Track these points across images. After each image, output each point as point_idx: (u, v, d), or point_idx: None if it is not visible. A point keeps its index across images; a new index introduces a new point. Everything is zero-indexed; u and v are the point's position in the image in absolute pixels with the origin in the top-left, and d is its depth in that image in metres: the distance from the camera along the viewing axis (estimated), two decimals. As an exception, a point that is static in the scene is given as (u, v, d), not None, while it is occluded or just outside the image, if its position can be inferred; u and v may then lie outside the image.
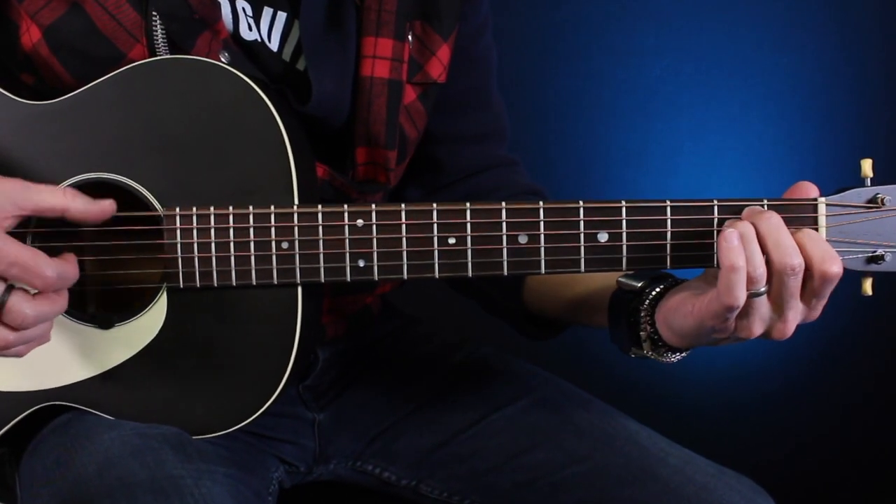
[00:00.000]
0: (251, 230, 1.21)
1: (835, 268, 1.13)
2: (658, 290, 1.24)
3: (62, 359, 1.24)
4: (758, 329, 1.16)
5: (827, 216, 1.17)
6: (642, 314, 1.24)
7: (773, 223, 1.14)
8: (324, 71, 1.33)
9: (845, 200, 1.18)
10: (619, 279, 1.28)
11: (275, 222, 1.20)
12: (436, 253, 1.20)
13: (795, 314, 1.15)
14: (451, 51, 1.43)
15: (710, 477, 1.32)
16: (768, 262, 1.13)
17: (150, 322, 1.23)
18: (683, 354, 1.25)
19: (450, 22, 1.42)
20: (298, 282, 1.22)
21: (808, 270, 1.13)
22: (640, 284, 1.25)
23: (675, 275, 1.26)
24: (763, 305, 1.14)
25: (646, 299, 1.24)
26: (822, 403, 2.56)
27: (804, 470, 2.56)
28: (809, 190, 1.19)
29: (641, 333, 1.24)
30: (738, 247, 1.12)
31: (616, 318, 1.28)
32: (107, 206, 1.19)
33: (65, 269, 1.16)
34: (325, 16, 1.34)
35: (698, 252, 1.19)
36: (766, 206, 1.17)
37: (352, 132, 1.36)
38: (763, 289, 1.13)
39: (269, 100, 1.22)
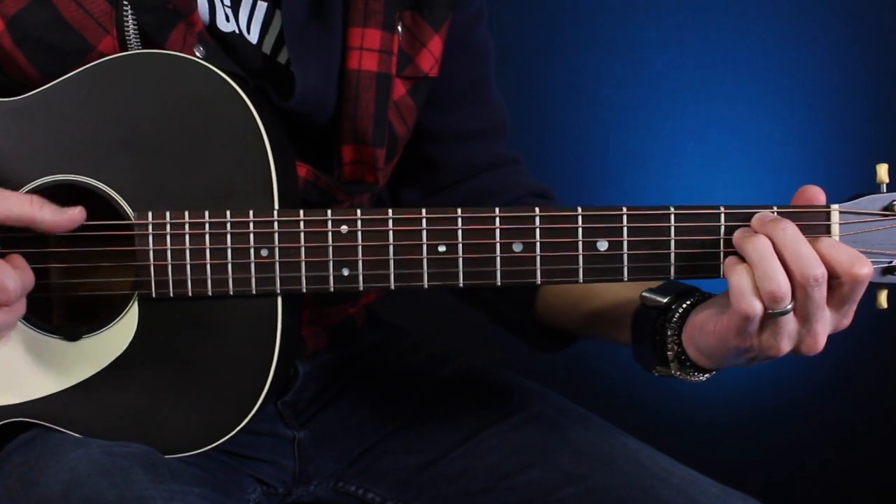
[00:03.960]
0: (228, 237, 1.21)
1: (865, 269, 1.13)
2: (685, 306, 1.24)
3: (26, 373, 1.24)
4: (786, 346, 1.16)
5: (840, 224, 1.18)
6: (669, 333, 1.24)
7: (790, 233, 1.14)
8: (307, 64, 1.33)
9: (859, 207, 1.18)
10: (643, 293, 1.27)
11: (253, 228, 1.21)
12: (425, 261, 1.21)
13: (824, 326, 1.16)
14: (444, 43, 1.44)
15: (714, 498, 1.32)
16: (790, 276, 1.13)
17: (119, 333, 1.24)
18: (711, 374, 1.26)
19: (441, 12, 1.42)
20: (278, 291, 1.22)
21: (837, 278, 1.14)
22: (665, 300, 1.25)
23: (701, 288, 1.26)
24: (790, 322, 1.14)
25: (673, 316, 1.24)
26: (833, 421, 2.57)
27: (814, 491, 2.57)
28: (816, 194, 1.20)
29: (668, 353, 1.25)
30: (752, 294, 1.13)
31: (640, 336, 1.28)
32: (76, 215, 1.19)
33: (24, 278, 1.17)
34: (308, 5, 1.35)
35: (704, 262, 1.20)
36: (775, 213, 1.18)
37: (337, 129, 1.36)
38: (789, 306, 1.13)
39: (247, 96, 1.22)
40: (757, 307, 1.13)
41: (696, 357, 1.22)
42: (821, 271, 1.13)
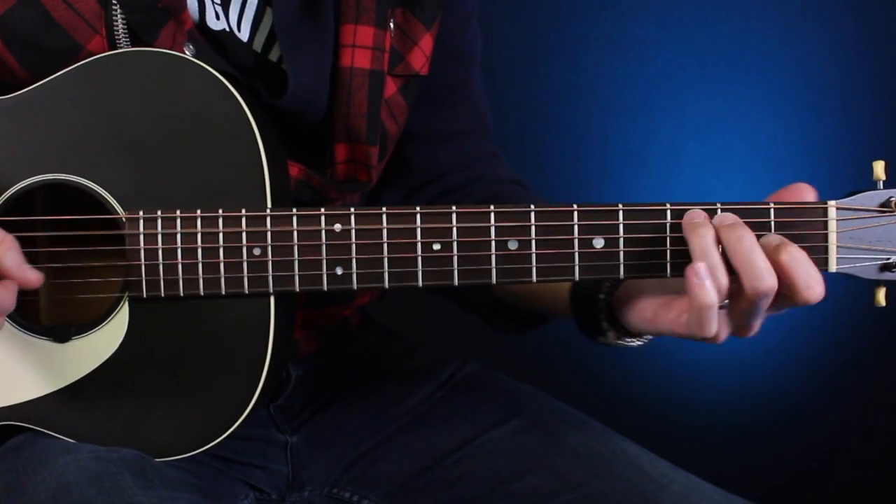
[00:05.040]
0: (220, 235, 1.23)
1: (815, 295, 1.16)
2: None
3: (14, 375, 1.26)
4: (721, 338, 1.20)
5: (838, 220, 1.20)
6: (601, 303, 1.29)
7: (745, 246, 1.16)
8: (300, 61, 1.35)
9: (857, 204, 1.20)
10: None
11: (246, 227, 1.22)
12: (419, 260, 1.22)
13: (762, 320, 1.20)
14: (434, 41, 1.46)
15: (716, 505, 1.34)
16: (738, 280, 1.16)
17: (109, 335, 1.25)
18: (648, 338, 1.31)
19: (433, 10, 1.44)
20: (271, 291, 1.23)
21: (790, 290, 1.16)
22: None
23: None
24: (729, 318, 1.19)
25: (602, 285, 1.29)
26: (837, 424, 2.57)
27: (819, 497, 2.58)
28: (805, 192, 1.22)
29: (603, 323, 1.30)
30: (710, 286, 1.15)
31: (578, 306, 1.33)
32: (31, 279, 1.20)
33: (2, 298, 1.18)
34: (300, 2, 1.36)
35: (701, 259, 1.22)
36: (772, 210, 1.20)
37: (330, 128, 1.38)
38: (726, 301, 1.17)
39: (239, 94, 1.24)
40: (715, 330, 1.17)
41: (629, 326, 1.28)
42: (769, 285, 1.15)
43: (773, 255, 1.16)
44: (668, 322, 1.21)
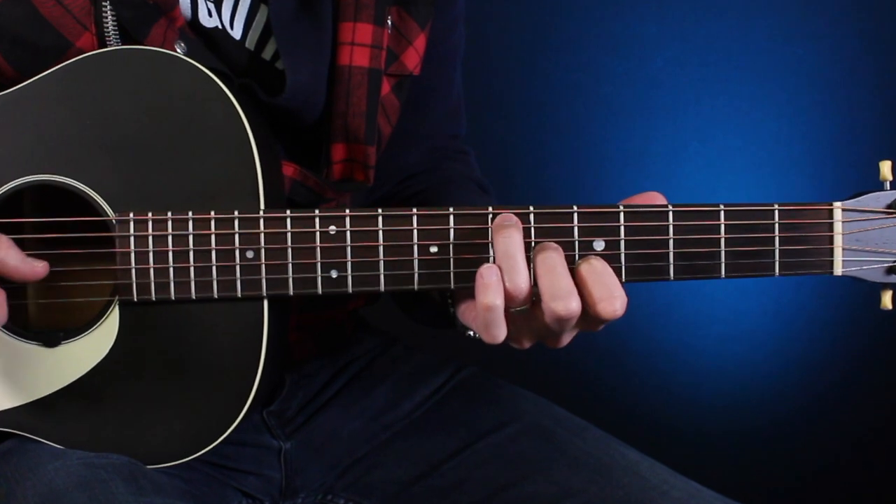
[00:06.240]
0: (213, 237, 1.22)
1: (611, 309, 1.15)
2: None
3: (2, 381, 1.26)
4: (527, 344, 1.21)
5: (843, 222, 1.20)
6: (448, 296, 1.30)
7: (549, 265, 1.16)
8: (297, 59, 1.35)
9: (863, 205, 1.20)
10: None
11: (239, 229, 1.22)
12: (415, 262, 1.22)
13: (571, 335, 1.20)
14: (427, 42, 1.46)
15: (717, 511, 1.33)
16: (539, 296, 1.16)
17: (99, 339, 1.25)
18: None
19: (427, 10, 1.45)
20: (265, 294, 1.23)
21: (586, 303, 1.16)
22: None
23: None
24: (534, 321, 1.18)
25: None
26: (840, 430, 2.58)
27: (820, 502, 2.60)
28: (657, 199, 1.22)
29: (451, 309, 1.30)
30: (496, 284, 1.15)
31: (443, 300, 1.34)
32: (39, 269, 1.22)
33: None
34: None
35: (703, 261, 1.21)
36: (776, 212, 1.20)
37: (327, 127, 1.38)
38: (526, 306, 1.17)
39: (232, 94, 1.24)
40: (502, 336, 1.17)
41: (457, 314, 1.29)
42: (570, 308, 1.15)
43: (573, 269, 1.17)
44: (471, 319, 1.23)
